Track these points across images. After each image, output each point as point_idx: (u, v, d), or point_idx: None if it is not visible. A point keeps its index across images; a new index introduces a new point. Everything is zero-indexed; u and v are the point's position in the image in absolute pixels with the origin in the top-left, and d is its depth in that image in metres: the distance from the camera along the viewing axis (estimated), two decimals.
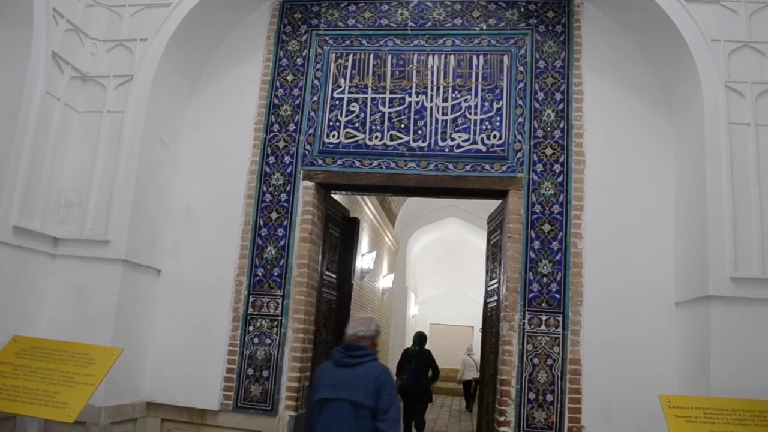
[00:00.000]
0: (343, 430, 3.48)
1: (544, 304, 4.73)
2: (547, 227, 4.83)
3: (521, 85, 5.08)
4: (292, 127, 5.31)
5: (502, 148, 5.00)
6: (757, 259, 4.06)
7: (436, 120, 5.13)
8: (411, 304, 19.39)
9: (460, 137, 5.06)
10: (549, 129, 4.97)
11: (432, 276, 21.88)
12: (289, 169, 5.25)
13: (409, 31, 5.32)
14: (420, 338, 9.13)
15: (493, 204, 5.57)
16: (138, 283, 4.95)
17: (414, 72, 5.25)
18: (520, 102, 5.05)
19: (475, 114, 5.09)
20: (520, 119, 5.01)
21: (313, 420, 3.63)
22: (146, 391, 5.07)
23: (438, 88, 5.18)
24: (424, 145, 5.09)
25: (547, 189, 4.88)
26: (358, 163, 5.16)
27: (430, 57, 5.26)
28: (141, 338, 5.02)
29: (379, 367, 3.62)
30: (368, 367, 3.59)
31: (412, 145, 5.11)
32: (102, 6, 5.10)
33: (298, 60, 5.44)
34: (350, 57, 5.38)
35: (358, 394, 3.50)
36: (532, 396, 4.62)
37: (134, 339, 4.91)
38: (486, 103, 5.09)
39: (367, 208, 10.01)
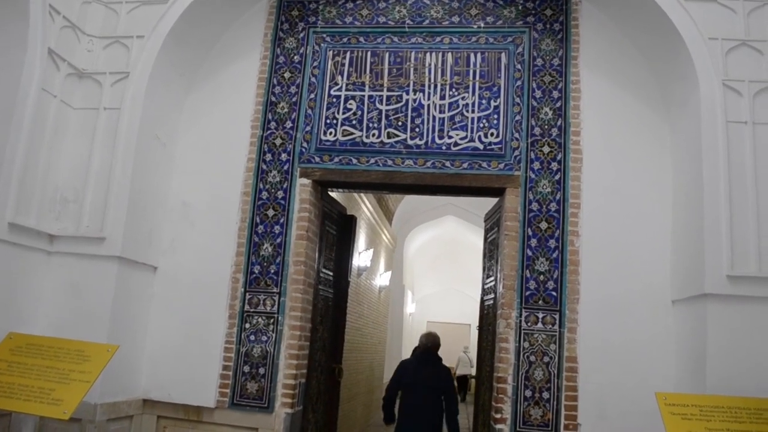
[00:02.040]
0: (426, 406, 5.83)
1: (540, 302, 4.73)
2: (544, 225, 4.83)
3: (519, 83, 5.07)
4: (289, 124, 5.30)
5: (500, 145, 4.99)
6: (753, 258, 4.06)
7: (434, 118, 5.12)
8: (408, 302, 19.40)
9: (457, 135, 5.06)
10: (546, 127, 4.96)
11: (429, 274, 21.88)
12: (285, 167, 5.24)
13: (407, 29, 5.31)
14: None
15: (490, 202, 5.57)
16: (134, 280, 4.94)
17: (411, 70, 5.25)
18: (517, 100, 5.04)
19: (473, 112, 5.08)
20: (518, 117, 5.01)
21: (403, 398, 5.95)
22: (142, 388, 5.06)
23: (435, 86, 5.18)
24: (422, 142, 5.09)
25: (545, 187, 4.88)
26: (355, 161, 5.15)
27: (428, 55, 5.25)
28: (137, 335, 5.01)
29: (445, 368, 6.22)
30: (440, 368, 6.11)
31: (410, 142, 5.10)
32: (98, 2, 5.08)
33: (295, 57, 5.43)
34: (347, 54, 5.37)
35: (434, 383, 5.90)
36: (528, 393, 4.62)
37: (130, 336, 4.90)
38: (483, 101, 5.09)
39: (364, 206, 10.00)
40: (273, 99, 5.38)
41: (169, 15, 5.05)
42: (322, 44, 5.42)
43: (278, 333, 5.00)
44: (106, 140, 4.86)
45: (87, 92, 4.96)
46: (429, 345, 6.21)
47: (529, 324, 4.71)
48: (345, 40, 5.40)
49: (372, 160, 5.13)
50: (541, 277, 4.76)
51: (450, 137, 5.06)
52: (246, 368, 4.99)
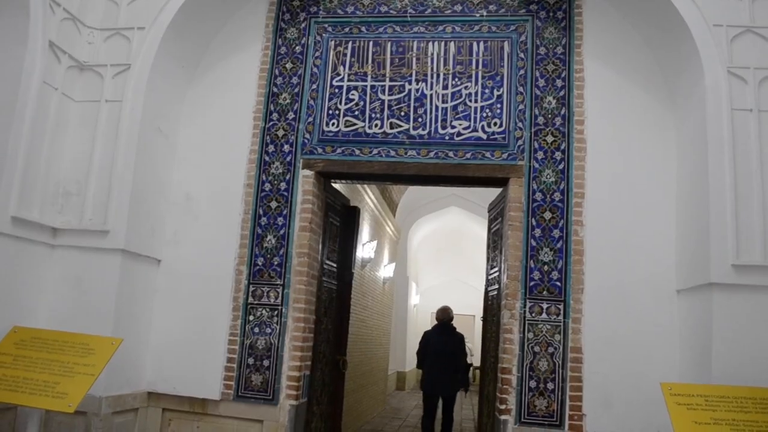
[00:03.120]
0: (447, 368, 7.95)
1: (545, 292, 4.71)
2: (548, 215, 4.81)
3: (522, 71, 5.04)
4: (291, 115, 5.29)
5: (503, 135, 4.97)
6: (759, 246, 4.03)
7: (436, 107, 5.09)
8: (412, 294, 19.39)
9: (460, 125, 5.03)
10: (550, 116, 4.93)
11: (433, 265, 21.87)
12: (288, 158, 5.22)
13: (409, 18, 5.28)
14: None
15: (493, 192, 5.55)
16: (137, 273, 4.94)
17: (414, 59, 5.21)
18: (520, 89, 5.01)
19: (476, 101, 5.06)
20: (521, 106, 4.98)
21: (428, 364, 8.09)
22: (147, 381, 5.07)
23: (438, 76, 5.15)
24: (424, 132, 5.06)
25: (548, 176, 4.86)
26: (357, 152, 5.13)
27: (430, 44, 5.22)
28: (141, 328, 5.02)
29: (459, 334, 8.21)
30: (457, 336, 8.15)
31: (412, 133, 5.08)
32: None
33: (296, 48, 5.40)
34: (349, 44, 5.34)
35: (451, 349, 8.00)
36: (533, 384, 4.61)
37: (134, 329, 4.90)
38: (486, 90, 5.06)
39: (367, 197, 9.98)
40: (275, 90, 5.36)
41: (170, 6, 5.02)
42: (323, 34, 5.39)
43: (282, 325, 5.00)
44: (108, 133, 4.85)
45: (88, 85, 4.95)
46: (445, 319, 8.25)
47: (533, 314, 4.70)
48: (347, 29, 5.37)
49: (375, 151, 5.11)
50: (546, 268, 4.74)
51: (453, 127, 5.04)
52: (250, 360, 4.99)
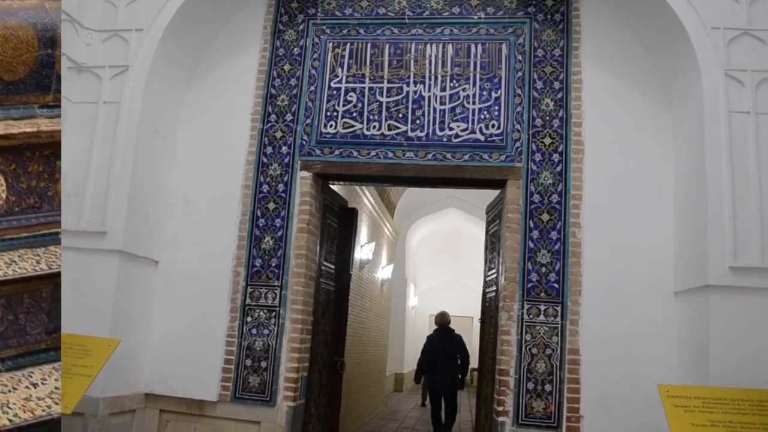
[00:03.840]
0: (448, 368, 8.96)
1: (542, 294, 4.72)
2: (545, 217, 4.81)
3: (520, 74, 5.05)
4: (289, 117, 5.29)
5: (501, 137, 4.97)
6: (756, 249, 4.03)
7: (434, 109, 5.10)
8: (410, 295, 19.39)
9: (458, 127, 5.04)
10: (548, 118, 4.94)
11: (432, 266, 21.87)
12: (286, 160, 5.23)
13: (407, 20, 5.29)
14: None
15: (491, 194, 5.56)
16: (135, 275, 4.94)
17: (412, 61, 5.22)
18: (518, 91, 5.02)
19: (474, 103, 5.06)
20: (519, 108, 4.99)
21: (430, 364, 9.09)
22: (144, 382, 5.07)
23: (436, 78, 5.15)
24: (422, 134, 5.07)
25: (546, 178, 4.86)
26: (355, 153, 5.14)
27: (428, 46, 5.23)
28: (139, 329, 5.02)
29: (459, 336, 9.20)
30: (456, 337, 9.14)
31: (410, 134, 5.09)
32: None
33: (295, 50, 5.41)
34: (347, 46, 5.34)
35: (452, 349, 8.99)
36: (530, 386, 4.61)
37: (132, 330, 4.90)
38: (484, 93, 5.07)
39: (365, 199, 9.98)
40: (273, 92, 5.36)
41: (168, 8, 5.02)
42: (321, 36, 5.40)
43: (280, 326, 5.00)
44: (106, 134, 4.85)
45: (86, 86, 4.95)
46: (444, 323, 9.30)
47: (531, 316, 4.70)
48: (345, 31, 5.37)
49: (373, 153, 5.11)
50: (543, 269, 4.74)
51: (451, 129, 5.04)
52: (248, 362, 4.99)
